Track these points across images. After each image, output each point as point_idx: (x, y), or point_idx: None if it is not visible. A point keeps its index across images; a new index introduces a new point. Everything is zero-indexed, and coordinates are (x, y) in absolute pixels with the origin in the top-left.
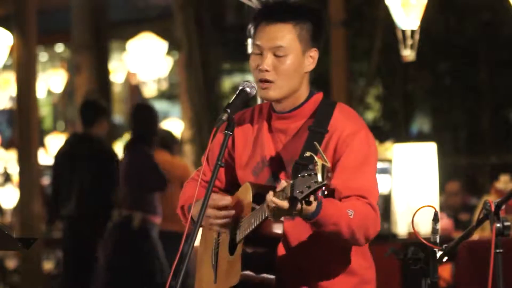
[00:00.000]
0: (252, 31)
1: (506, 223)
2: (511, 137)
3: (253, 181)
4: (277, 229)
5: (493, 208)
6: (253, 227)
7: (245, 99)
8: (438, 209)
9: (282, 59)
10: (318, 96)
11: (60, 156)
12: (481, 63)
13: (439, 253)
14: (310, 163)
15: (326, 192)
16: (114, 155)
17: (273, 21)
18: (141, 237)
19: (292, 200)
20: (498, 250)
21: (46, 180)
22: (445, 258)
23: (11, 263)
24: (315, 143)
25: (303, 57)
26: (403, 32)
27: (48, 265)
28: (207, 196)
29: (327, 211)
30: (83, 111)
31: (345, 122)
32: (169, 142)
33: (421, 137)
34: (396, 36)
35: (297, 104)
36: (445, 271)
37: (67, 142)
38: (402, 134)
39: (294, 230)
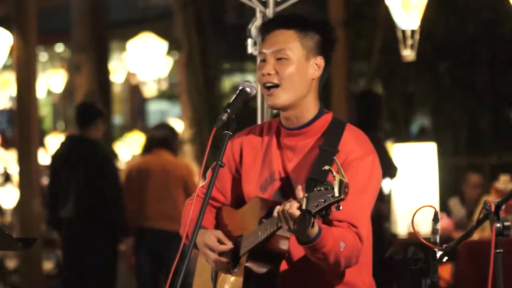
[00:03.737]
0: (258, 44)
1: (506, 223)
2: (511, 137)
3: (260, 196)
4: (283, 245)
5: (493, 208)
6: (260, 239)
7: (245, 99)
8: (438, 209)
9: (284, 62)
10: (328, 116)
11: (57, 158)
12: (482, 63)
13: (439, 253)
14: (325, 178)
15: (341, 207)
16: (110, 156)
17: (276, 28)
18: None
19: (307, 213)
20: (498, 250)
21: (46, 180)
22: (445, 258)
23: (11, 263)
24: (335, 158)
25: (306, 63)
26: (403, 32)
27: (48, 265)
28: (206, 200)
29: (323, 241)
30: (79, 113)
31: (354, 145)
32: (171, 142)
33: (422, 134)
34: (396, 36)
35: (306, 120)
36: (445, 271)
37: (63, 144)
38: (402, 134)
39: (296, 246)
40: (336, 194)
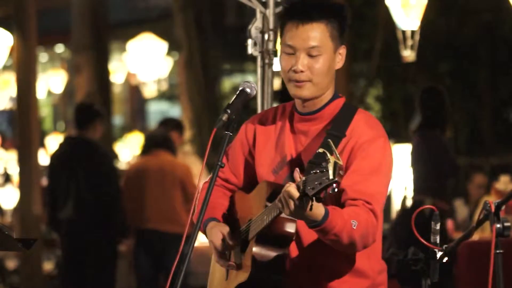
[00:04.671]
0: (279, 30)
1: (506, 224)
2: (511, 138)
3: (272, 179)
4: (290, 228)
5: (493, 209)
6: (265, 223)
7: (245, 100)
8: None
9: (316, 58)
10: (340, 101)
11: (56, 159)
12: (482, 64)
13: (439, 254)
14: (323, 161)
15: (336, 190)
16: (109, 157)
17: (306, 21)
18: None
19: (304, 195)
20: (498, 251)
21: (46, 181)
22: (445, 259)
23: (11, 264)
24: (329, 140)
25: (334, 55)
26: (403, 32)
27: (48, 266)
28: (208, 195)
29: (331, 222)
30: (77, 114)
31: (364, 128)
32: (171, 142)
33: None
34: (396, 37)
35: (320, 104)
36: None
37: (62, 145)
38: (402, 135)
39: (306, 230)
40: (331, 177)
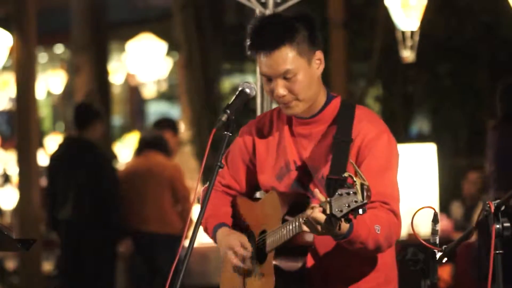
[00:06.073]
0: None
1: (506, 224)
2: None
3: (276, 186)
4: (308, 237)
5: (492, 209)
6: (286, 238)
7: (244, 100)
8: (437, 210)
9: (292, 80)
10: (337, 100)
11: (55, 159)
12: (481, 64)
13: (438, 254)
14: (343, 179)
15: (366, 211)
16: (108, 157)
17: (270, 50)
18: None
19: (332, 217)
20: (497, 251)
21: (45, 181)
22: (445, 259)
23: (10, 264)
24: (351, 162)
25: (310, 67)
26: (403, 33)
27: (47, 266)
28: (207, 197)
29: (357, 232)
30: (77, 114)
31: (367, 125)
32: (163, 143)
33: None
34: (396, 37)
35: (317, 109)
36: (445, 272)
37: (61, 145)
38: (402, 135)
39: (322, 237)
40: (360, 199)
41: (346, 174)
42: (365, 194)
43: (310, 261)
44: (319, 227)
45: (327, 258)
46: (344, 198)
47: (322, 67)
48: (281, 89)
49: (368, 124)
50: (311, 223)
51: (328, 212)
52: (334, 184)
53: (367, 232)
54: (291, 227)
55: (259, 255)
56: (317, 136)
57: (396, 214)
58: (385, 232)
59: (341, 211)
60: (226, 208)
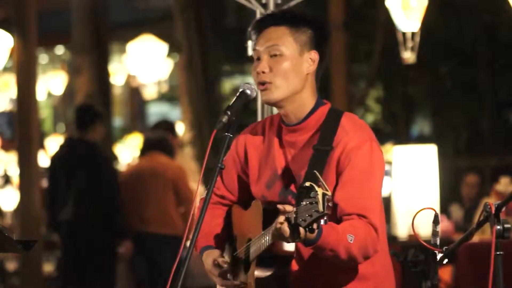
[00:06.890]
0: (253, 43)
1: (507, 225)
2: (511, 139)
3: (266, 195)
4: (289, 247)
5: (493, 211)
6: (264, 247)
7: (245, 101)
8: (438, 211)
9: (278, 59)
10: (325, 108)
11: (56, 160)
12: (481, 65)
13: (439, 256)
14: (310, 188)
15: (327, 221)
16: (109, 158)
17: (268, 26)
18: None
19: (295, 227)
20: (498, 253)
21: (46, 183)
22: (446, 261)
23: (11, 265)
24: (315, 172)
25: (300, 58)
26: (404, 34)
27: (48, 267)
28: (207, 200)
29: (326, 238)
30: (78, 115)
31: (350, 134)
32: (167, 144)
33: (421, 139)
34: (396, 38)
35: (303, 114)
36: (446, 274)
37: (62, 146)
38: (403, 136)
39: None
40: (320, 210)
41: (307, 184)
42: (325, 204)
43: (293, 270)
44: (284, 237)
45: (311, 267)
46: (307, 208)
47: (313, 68)
48: (264, 65)
49: (351, 133)
50: (278, 232)
51: (292, 222)
52: (305, 194)
53: (337, 240)
54: (266, 238)
55: (246, 263)
56: (301, 144)
57: (375, 228)
58: (359, 243)
59: (305, 220)
60: (216, 221)
